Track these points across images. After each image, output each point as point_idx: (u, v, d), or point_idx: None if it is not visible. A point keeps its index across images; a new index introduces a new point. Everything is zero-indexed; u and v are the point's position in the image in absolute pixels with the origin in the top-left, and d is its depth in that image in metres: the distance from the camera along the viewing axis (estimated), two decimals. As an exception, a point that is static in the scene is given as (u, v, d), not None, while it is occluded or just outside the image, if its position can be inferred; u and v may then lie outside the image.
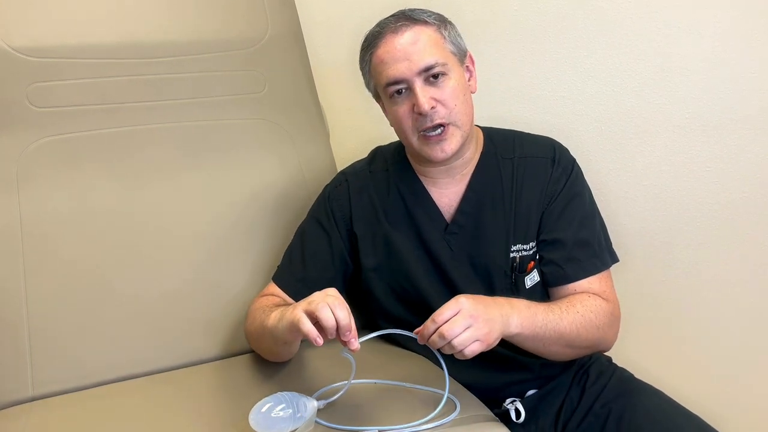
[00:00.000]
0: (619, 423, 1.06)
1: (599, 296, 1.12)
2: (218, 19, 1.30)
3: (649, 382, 1.15)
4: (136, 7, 1.24)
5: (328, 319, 0.88)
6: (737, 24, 1.45)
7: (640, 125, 1.52)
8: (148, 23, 1.25)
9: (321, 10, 1.53)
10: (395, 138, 1.18)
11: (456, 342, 0.92)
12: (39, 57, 1.17)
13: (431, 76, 1.05)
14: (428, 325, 0.94)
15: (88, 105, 1.20)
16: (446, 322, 0.93)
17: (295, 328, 0.90)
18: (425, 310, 1.15)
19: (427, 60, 1.05)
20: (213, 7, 1.30)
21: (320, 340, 0.89)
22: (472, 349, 0.93)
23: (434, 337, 0.93)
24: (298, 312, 0.90)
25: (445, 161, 1.11)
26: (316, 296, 0.92)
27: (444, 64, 1.06)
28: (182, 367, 1.18)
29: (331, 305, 0.89)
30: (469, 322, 0.93)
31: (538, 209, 1.14)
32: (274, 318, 1.00)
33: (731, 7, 1.45)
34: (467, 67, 1.13)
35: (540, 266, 1.15)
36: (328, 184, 1.23)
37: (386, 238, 1.17)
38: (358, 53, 1.13)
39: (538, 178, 1.15)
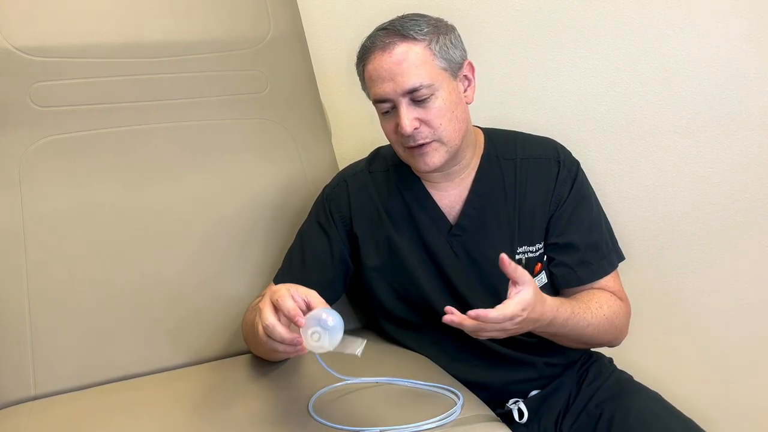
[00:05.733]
0: (611, 424, 1.06)
1: (616, 296, 1.14)
2: (221, 19, 1.30)
3: (649, 384, 1.16)
4: (139, 7, 1.24)
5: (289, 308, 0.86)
6: (741, 25, 1.46)
7: (643, 126, 1.52)
8: (151, 23, 1.25)
9: (323, 11, 1.53)
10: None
11: (477, 335, 0.95)
12: (41, 56, 1.17)
13: (417, 97, 1.04)
14: (480, 317, 0.91)
15: (90, 104, 1.20)
16: (491, 321, 0.91)
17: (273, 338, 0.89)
18: (427, 310, 1.15)
19: (412, 82, 1.03)
20: (215, 7, 1.31)
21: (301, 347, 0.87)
22: (478, 338, 0.97)
23: (468, 324, 0.91)
24: (267, 320, 0.88)
25: (433, 172, 1.12)
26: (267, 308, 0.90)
27: (430, 85, 1.04)
28: (183, 367, 1.18)
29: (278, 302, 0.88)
30: (503, 334, 0.95)
31: (543, 211, 1.14)
32: (256, 322, 0.96)
33: (735, 7, 1.45)
34: (465, 76, 1.11)
35: (550, 268, 1.15)
36: (326, 185, 1.23)
37: (388, 239, 1.17)
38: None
39: (543, 179, 1.15)
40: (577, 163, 1.18)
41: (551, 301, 1.01)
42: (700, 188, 1.53)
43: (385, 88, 1.05)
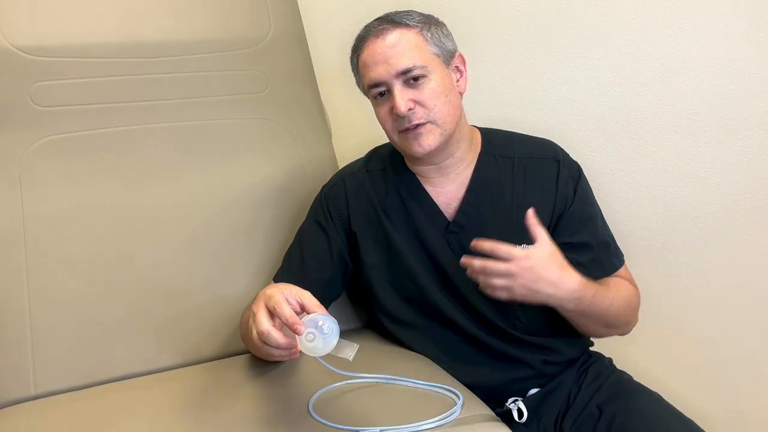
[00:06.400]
0: (611, 425, 1.07)
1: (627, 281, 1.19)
2: (221, 19, 1.31)
3: (648, 384, 1.16)
4: (139, 7, 1.24)
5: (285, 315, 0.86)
6: (741, 25, 1.45)
7: (643, 126, 1.52)
8: (151, 23, 1.25)
9: (323, 10, 1.53)
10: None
11: (484, 279, 0.99)
12: (42, 56, 1.17)
13: (411, 78, 1.06)
14: (484, 247, 0.98)
15: (90, 104, 1.20)
16: (502, 259, 0.97)
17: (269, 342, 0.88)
18: (427, 307, 1.16)
19: (405, 63, 1.06)
20: (216, 6, 1.31)
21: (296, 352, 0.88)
22: (495, 294, 1.00)
23: (476, 262, 0.98)
24: (263, 327, 0.87)
25: (427, 158, 1.12)
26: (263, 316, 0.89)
27: (423, 67, 1.06)
28: (183, 367, 1.18)
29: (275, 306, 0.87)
30: (512, 280, 0.98)
31: (546, 210, 1.15)
32: (250, 325, 0.95)
33: (735, 7, 1.45)
34: (456, 67, 1.13)
35: None
36: (324, 185, 1.24)
37: (386, 236, 1.17)
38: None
39: (542, 178, 1.16)
40: (579, 165, 1.20)
41: (577, 276, 1.04)
42: (700, 188, 1.53)
43: (379, 71, 1.07)
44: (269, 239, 1.28)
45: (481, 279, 1.00)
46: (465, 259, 1.00)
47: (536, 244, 1.00)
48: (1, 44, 1.15)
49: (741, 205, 1.52)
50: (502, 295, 1.00)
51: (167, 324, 1.19)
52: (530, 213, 1.01)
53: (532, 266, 0.98)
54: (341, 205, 1.20)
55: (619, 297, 1.12)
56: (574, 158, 1.20)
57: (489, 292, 1.01)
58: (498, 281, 0.99)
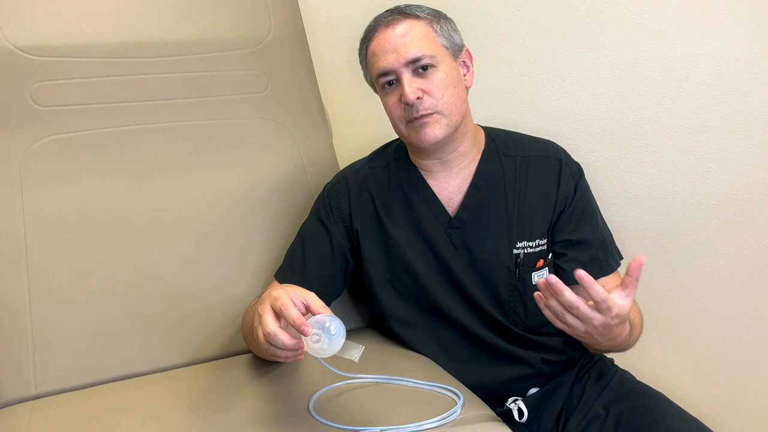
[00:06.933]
0: (618, 424, 1.07)
1: None
2: (222, 19, 1.31)
3: (650, 384, 1.16)
4: (140, 7, 1.24)
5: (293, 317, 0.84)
6: (741, 25, 1.45)
7: (643, 126, 1.52)
8: (152, 22, 1.25)
9: (324, 10, 1.53)
10: (397, 136, 1.19)
11: (562, 311, 0.88)
12: (43, 56, 1.17)
13: (420, 67, 1.08)
14: (595, 292, 0.85)
15: (91, 104, 1.20)
16: (588, 310, 0.87)
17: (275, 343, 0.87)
18: (427, 304, 1.16)
19: (415, 52, 1.07)
20: (216, 6, 1.31)
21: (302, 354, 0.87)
22: (555, 322, 0.90)
23: (570, 297, 0.86)
24: (270, 329, 0.86)
25: (433, 148, 1.13)
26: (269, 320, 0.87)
27: (432, 57, 1.08)
28: (184, 366, 1.18)
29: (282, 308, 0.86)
30: (589, 327, 0.89)
31: (547, 208, 1.15)
32: (256, 326, 0.94)
33: (735, 7, 1.45)
34: (463, 62, 1.15)
35: (560, 264, 1.16)
36: (327, 183, 1.24)
37: (387, 234, 1.17)
38: (360, 50, 1.15)
39: (544, 176, 1.16)
40: (580, 165, 1.20)
41: (628, 325, 1.00)
42: (701, 188, 1.53)
43: (389, 59, 1.08)
44: (270, 239, 1.29)
45: (556, 306, 0.88)
46: (556, 282, 0.85)
47: (625, 297, 0.89)
48: (1, 44, 1.15)
49: (741, 205, 1.52)
50: (563, 327, 0.91)
51: (168, 323, 1.19)
52: (640, 259, 0.87)
53: (613, 325, 0.90)
54: (343, 202, 1.20)
55: (636, 326, 1.08)
56: (574, 158, 1.21)
57: (551, 317, 0.90)
58: (575, 321, 0.89)
